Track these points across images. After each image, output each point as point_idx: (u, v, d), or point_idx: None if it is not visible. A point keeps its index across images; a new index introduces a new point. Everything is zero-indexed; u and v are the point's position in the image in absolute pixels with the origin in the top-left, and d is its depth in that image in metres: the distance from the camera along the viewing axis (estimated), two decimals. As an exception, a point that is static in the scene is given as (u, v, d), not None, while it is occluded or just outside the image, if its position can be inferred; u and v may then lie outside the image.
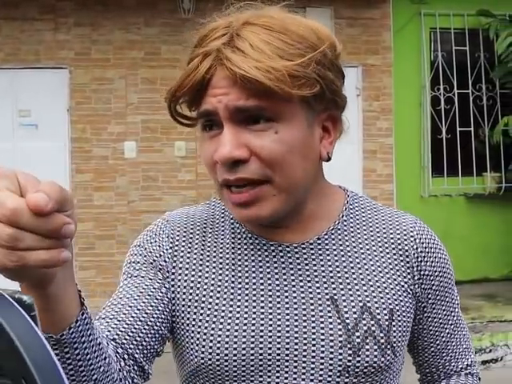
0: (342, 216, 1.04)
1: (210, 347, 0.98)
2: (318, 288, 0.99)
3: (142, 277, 1.02)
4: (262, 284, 1.00)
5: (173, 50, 5.50)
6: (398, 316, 0.99)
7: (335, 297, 0.98)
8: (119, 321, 0.95)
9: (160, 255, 1.03)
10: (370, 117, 5.80)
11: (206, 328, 0.99)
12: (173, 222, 1.07)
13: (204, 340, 0.98)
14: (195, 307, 1.01)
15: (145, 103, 5.57)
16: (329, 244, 1.02)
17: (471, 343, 1.16)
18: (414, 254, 1.03)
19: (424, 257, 1.04)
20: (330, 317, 0.97)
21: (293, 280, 1.00)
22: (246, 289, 1.01)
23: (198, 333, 0.99)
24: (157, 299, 0.99)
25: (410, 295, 1.02)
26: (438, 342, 1.09)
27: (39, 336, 0.50)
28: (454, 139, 6.68)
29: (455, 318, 1.11)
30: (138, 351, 0.94)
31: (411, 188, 6.53)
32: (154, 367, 1.00)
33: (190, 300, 1.01)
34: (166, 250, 1.04)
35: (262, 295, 1.00)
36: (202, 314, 1.00)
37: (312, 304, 0.98)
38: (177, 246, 1.04)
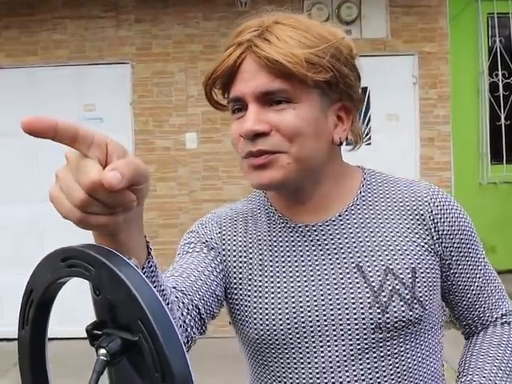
0: (360, 192, 1.17)
1: (260, 320, 1.13)
2: (344, 259, 1.12)
3: (197, 251, 1.17)
4: (296, 261, 1.14)
5: (231, 42, 5.60)
6: (422, 273, 1.10)
7: (360, 264, 1.11)
8: (184, 277, 1.09)
9: (211, 238, 1.19)
10: (427, 104, 5.77)
11: (254, 303, 1.14)
12: (219, 213, 1.24)
13: (254, 314, 1.14)
14: (243, 285, 1.16)
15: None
16: (350, 219, 1.14)
17: (505, 293, 1.24)
18: (429, 216, 1.13)
19: (440, 218, 1.13)
20: (357, 282, 1.10)
21: (322, 255, 1.13)
22: (283, 266, 1.15)
23: (248, 307, 1.15)
24: (211, 267, 1.14)
25: (431, 253, 1.12)
26: (468, 295, 1.19)
27: (150, 286, 0.61)
28: (513, 125, 6.58)
29: (482, 272, 1.20)
30: (201, 303, 1.08)
31: (469, 175, 6.46)
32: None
33: (240, 278, 1.17)
34: (216, 234, 1.19)
35: (297, 271, 1.13)
36: (249, 291, 1.15)
37: (341, 273, 1.11)
38: (224, 231, 1.20)
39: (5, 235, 5.90)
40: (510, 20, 6.54)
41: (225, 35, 5.67)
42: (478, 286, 1.19)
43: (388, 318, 1.07)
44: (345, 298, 1.09)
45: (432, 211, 1.13)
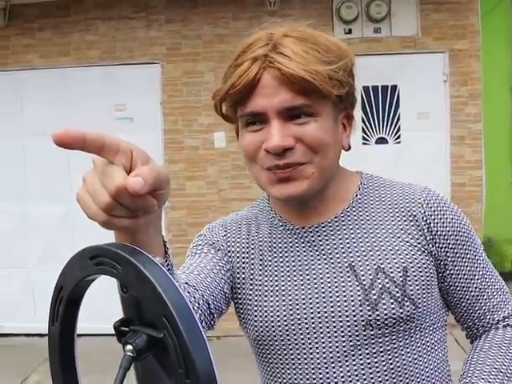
0: (357, 195, 1.21)
1: (260, 317, 1.18)
2: (338, 258, 1.16)
3: (205, 253, 1.23)
4: (293, 261, 1.19)
5: (260, 42, 5.62)
6: (414, 272, 1.12)
7: (353, 263, 1.14)
8: (194, 274, 1.15)
9: (218, 240, 1.25)
10: (458, 102, 5.71)
11: (255, 301, 1.20)
12: (225, 219, 1.31)
13: (255, 311, 1.19)
14: (246, 284, 1.22)
15: (233, 95, 5.70)
16: (345, 220, 1.18)
17: (508, 296, 1.24)
18: (422, 217, 1.15)
19: (434, 219, 1.15)
20: (349, 281, 1.13)
21: (318, 255, 1.17)
22: (281, 266, 1.19)
23: (250, 305, 1.20)
24: (219, 266, 1.21)
25: (425, 253, 1.14)
26: (467, 296, 1.20)
27: (174, 284, 0.63)
28: (546, 123, 6.48)
29: (481, 273, 1.20)
30: (211, 299, 1.13)
31: (501, 174, 6.38)
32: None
33: (243, 278, 1.22)
34: (222, 236, 1.26)
35: (294, 270, 1.18)
36: (251, 290, 1.21)
37: (334, 272, 1.15)
38: (228, 233, 1.26)
39: (38, 233, 6.00)
40: (543, 16, 6.43)
41: (254, 34, 5.68)
42: (476, 288, 1.20)
43: (378, 315, 1.10)
44: (337, 296, 1.13)
45: (425, 212, 1.15)
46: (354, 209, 1.19)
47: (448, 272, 1.17)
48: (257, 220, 1.28)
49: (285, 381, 1.18)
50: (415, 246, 1.14)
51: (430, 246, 1.15)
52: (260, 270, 1.22)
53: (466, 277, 1.19)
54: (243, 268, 1.23)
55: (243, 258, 1.24)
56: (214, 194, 5.83)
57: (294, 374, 1.16)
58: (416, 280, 1.12)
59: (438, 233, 1.15)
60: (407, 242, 1.15)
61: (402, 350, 1.12)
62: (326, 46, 1.09)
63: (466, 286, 1.19)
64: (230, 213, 1.33)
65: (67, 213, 5.84)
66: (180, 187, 5.83)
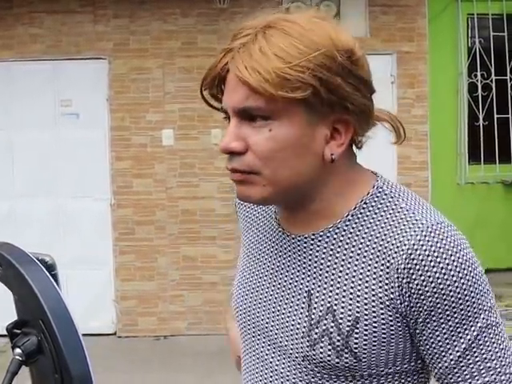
0: (347, 215, 1.05)
1: (235, 308, 1.18)
2: (302, 279, 1.08)
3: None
4: (264, 264, 1.15)
5: (209, 39, 5.59)
6: (366, 325, 0.99)
7: (312, 291, 1.06)
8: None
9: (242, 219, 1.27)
10: (405, 104, 5.80)
11: (235, 289, 1.20)
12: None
13: (233, 300, 1.19)
14: (240, 260, 1.24)
15: (182, 92, 5.66)
16: (321, 241, 1.06)
17: (508, 374, 0.99)
18: (396, 268, 0.97)
19: (412, 274, 0.96)
20: (302, 307, 1.06)
21: (288, 266, 1.11)
22: (260, 265, 1.16)
23: (233, 293, 1.20)
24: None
25: (388, 308, 0.99)
26: (440, 365, 1.00)
27: (55, 286, 0.61)
28: (491, 126, 6.61)
29: (466, 346, 0.97)
30: None
31: (447, 175, 6.51)
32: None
33: (241, 253, 1.24)
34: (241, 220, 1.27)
35: (267, 270, 1.14)
36: (237, 273, 1.22)
37: (295, 291, 1.09)
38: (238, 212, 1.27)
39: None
40: (489, 21, 6.59)
41: (203, 32, 5.66)
42: (452, 360, 0.98)
43: (315, 355, 1.03)
44: (288, 317, 1.08)
45: (401, 264, 0.97)
46: (337, 230, 1.05)
47: (420, 334, 0.99)
48: (267, 214, 1.20)
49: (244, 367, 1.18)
50: (380, 298, 0.99)
51: (398, 302, 0.98)
52: (245, 260, 1.20)
53: (440, 344, 0.98)
54: (244, 246, 1.23)
55: (245, 246, 1.23)
56: (161, 192, 5.77)
57: (253, 374, 1.14)
58: (366, 334, 0.99)
59: (412, 291, 0.97)
60: (373, 290, 0.99)
61: None
62: (310, 41, 0.97)
63: (438, 355, 0.99)
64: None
65: (10, 209, 5.71)
66: (127, 185, 5.76)
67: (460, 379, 0.98)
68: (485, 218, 6.50)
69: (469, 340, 0.97)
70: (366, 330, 0.99)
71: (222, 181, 5.52)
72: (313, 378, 1.04)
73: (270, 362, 1.10)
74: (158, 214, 5.72)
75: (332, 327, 1.01)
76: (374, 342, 0.99)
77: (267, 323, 1.11)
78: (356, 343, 0.99)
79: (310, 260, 1.08)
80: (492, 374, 0.97)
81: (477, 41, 6.61)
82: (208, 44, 5.59)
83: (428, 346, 0.99)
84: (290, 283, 1.09)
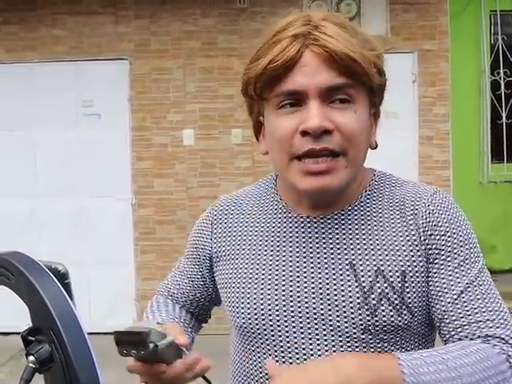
0: (366, 191, 1.16)
1: (248, 304, 1.13)
2: (338, 254, 1.10)
3: (188, 265, 1.30)
4: (291, 251, 1.13)
5: (229, 39, 5.59)
6: (411, 277, 1.07)
7: (353, 262, 1.09)
8: (177, 288, 1.36)
9: (203, 247, 1.25)
10: (426, 103, 5.75)
11: (243, 289, 1.15)
12: (216, 208, 1.27)
13: (243, 299, 1.14)
14: (237, 272, 1.17)
15: (202, 92, 5.68)
16: (351, 215, 1.13)
17: (505, 321, 1.06)
18: (422, 215, 1.10)
19: (431, 217, 1.10)
20: (348, 280, 1.08)
21: (318, 247, 1.12)
22: (277, 255, 1.14)
23: (238, 293, 1.15)
24: (197, 279, 1.30)
25: (422, 256, 1.08)
26: (442, 302, 1.06)
27: (65, 296, 0.61)
28: (514, 124, 6.55)
29: (467, 283, 1.06)
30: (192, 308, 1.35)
31: (469, 174, 6.45)
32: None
33: (231, 269, 1.18)
34: (207, 238, 1.25)
35: (291, 261, 1.13)
36: (239, 278, 1.16)
37: (333, 269, 1.09)
38: (215, 229, 1.24)
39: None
40: (512, 18, 6.50)
41: (223, 32, 5.66)
42: (455, 294, 1.06)
43: (377, 321, 1.05)
44: (335, 295, 1.08)
45: (426, 210, 1.10)
46: (361, 204, 1.15)
47: (430, 273, 1.08)
48: (259, 201, 1.23)
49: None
50: (416, 246, 1.09)
51: (423, 247, 1.09)
52: (252, 258, 1.16)
53: (444, 280, 1.07)
54: (232, 259, 1.19)
55: (234, 245, 1.20)
56: (182, 192, 5.79)
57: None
58: (413, 286, 1.07)
59: (429, 232, 1.09)
60: (408, 241, 1.09)
61: None
62: (363, 37, 1.07)
63: (442, 290, 1.07)
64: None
65: (33, 209, 5.75)
66: (148, 185, 5.78)
67: (464, 314, 1.05)
68: (507, 217, 6.43)
69: (471, 279, 1.07)
70: (412, 283, 1.07)
71: (243, 180, 5.52)
72: (367, 350, 1.06)
73: (315, 349, 1.08)
74: (179, 214, 5.73)
75: (386, 287, 1.06)
76: (419, 293, 1.07)
77: (314, 309, 1.08)
78: (409, 297, 1.06)
79: (343, 234, 1.12)
80: (492, 314, 1.06)
81: (500, 38, 6.54)
82: (228, 44, 5.60)
83: (433, 284, 1.08)
84: (326, 262, 1.10)
